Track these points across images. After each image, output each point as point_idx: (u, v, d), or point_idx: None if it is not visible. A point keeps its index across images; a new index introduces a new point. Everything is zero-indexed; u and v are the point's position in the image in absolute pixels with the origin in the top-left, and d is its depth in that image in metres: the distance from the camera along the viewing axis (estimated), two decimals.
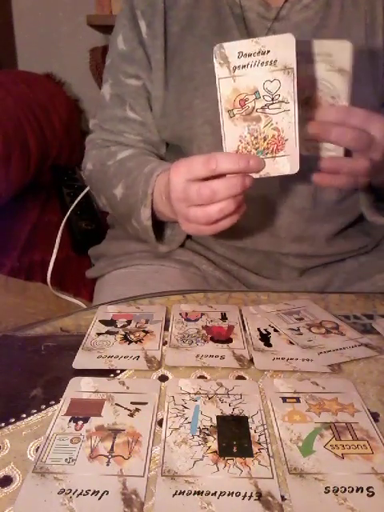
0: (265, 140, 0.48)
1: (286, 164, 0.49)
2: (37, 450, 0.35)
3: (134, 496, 0.31)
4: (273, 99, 0.47)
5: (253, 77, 0.46)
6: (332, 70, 0.49)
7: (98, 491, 0.31)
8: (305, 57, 0.49)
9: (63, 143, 1.23)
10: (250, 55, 0.46)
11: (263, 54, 0.45)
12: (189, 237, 0.74)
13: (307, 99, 0.51)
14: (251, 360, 0.45)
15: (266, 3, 0.64)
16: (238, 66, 0.46)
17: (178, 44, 0.66)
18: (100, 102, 0.75)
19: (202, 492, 0.31)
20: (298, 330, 0.51)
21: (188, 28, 0.66)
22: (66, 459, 0.34)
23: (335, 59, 0.49)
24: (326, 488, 0.32)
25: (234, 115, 0.47)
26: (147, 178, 0.63)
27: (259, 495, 0.31)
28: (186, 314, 0.54)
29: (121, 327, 0.51)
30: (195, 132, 0.66)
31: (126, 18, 0.69)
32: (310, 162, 0.64)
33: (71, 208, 0.97)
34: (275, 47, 0.45)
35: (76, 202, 0.97)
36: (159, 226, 0.68)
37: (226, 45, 0.45)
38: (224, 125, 0.48)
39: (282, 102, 0.47)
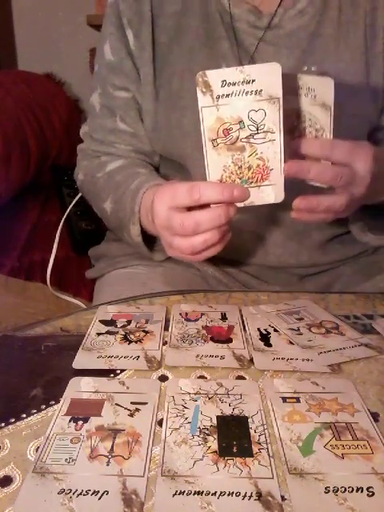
0: (249, 169, 0.47)
1: (270, 193, 0.48)
2: (37, 450, 0.35)
3: (133, 496, 0.31)
4: (258, 129, 0.46)
5: (237, 106, 0.45)
6: (316, 104, 0.48)
7: (98, 491, 0.31)
8: (289, 89, 0.48)
9: (63, 143, 1.23)
10: (234, 84, 0.44)
11: (248, 83, 0.44)
12: None
13: (292, 129, 0.50)
14: (251, 360, 0.45)
15: (258, 10, 0.61)
16: (222, 95, 0.45)
17: (167, 55, 0.64)
18: (90, 111, 0.73)
19: (202, 492, 0.31)
20: (298, 329, 0.51)
21: (176, 38, 0.63)
22: (66, 459, 0.34)
23: (318, 94, 0.48)
24: (325, 488, 0.32)
25: (218, 144, 0.46)
26: (134, 195, 0.61)
27: (259, 495, 0.31)
28: (186, 313, 0.54)
29: (121, 327, 0.51)
30: (186, 152, 0.64)
31: (114, 26, 0.66)
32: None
33: (69, 208, 0.97)
34: (260, 76, 0.44)
35: (74, 201, 0.97)
36: (150, 235, 0.66)
37: (208, 73, 0.44)
38: (207, 154, 0.47)
39: (268, 131, 0.46)
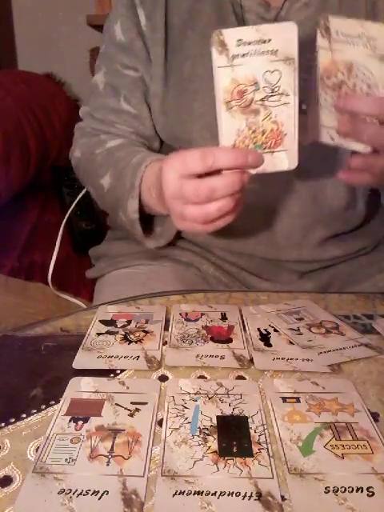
0: (263, 134, 0.46)
1: (284, 159, 0.47)
2: (37, 450, 0.35)
3: (133, 496, 0.31)
4: (273, 91, 0.45)
5: (252, 67, 0.44)
6: (373, 55, 0.45)
7: (98, 491, 0.31)
8: (344, 37, 0.46)
9: (63, 143, 1.23)
10: (249, 43, 0.43)
11: (264, 42, 0.43)
12: (186, 238, 0.73)
13: (340, 83, 0.47)
14: (251, 360, 0.45)
15: (266, 3, 0.63)
16: (237, 55, 0.44)
17: (179, 39, 0.64)
18: (92, 90, 0.72)
19: (202, 492, 0.31)
20: (298, 329, 0.51)
21: (189, 21, 0.64)
22: (66, 459, 0.34)
23: (379, 44, 0.44)
24: (325, 488, 0.32)
25: (232, 107, 0.45)
26: (135, 169, 0.60)
27: (259, 495, 0.31)
28: (186, 313, 0.54)
29: (121, 327, 0.51)
30: (193, 136, 0.65)
31: (125, 7, 0.66)
32: (310, 166, 0.64)
33: (71, 208, 0.97)
34: (276, 36, 0.43)
35: (75, 201, 0.97)
36: (147, 220, 0.65)
37: (224, 31, 0.43)
38: (221, 117, 0.46)
39: (282, 94, 0.45)
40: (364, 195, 0.68)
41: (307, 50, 0.61)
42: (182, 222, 0.50)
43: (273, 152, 0.47)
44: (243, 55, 0.44)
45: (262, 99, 0.45)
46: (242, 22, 0.63)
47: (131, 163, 0.61)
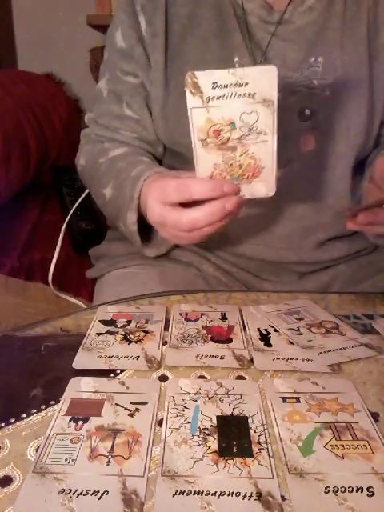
0: (240, 167, 0.47)
1: (261, 188, 0.48)
2: (37, 450, 0.35)
3: (133, 496, 0.31)
4: (250, 130, 0.45)
5: (229, 108, 0.44)
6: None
7: (98, 491, 0.31)
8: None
9: (63, 143, 1.23)
10: (226, 86, 0.43)
11: (241, 85, 0.43)
12: None
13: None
14: (251, 360, 0.45)
15: (269, 6, 0.63)
16: (212, 97, 0.43)
17: (179, 44, 0.65)
18: (97, 97, 0.73)
19: (202, 492, 0.31)
20: (298, 329, 0.51)
21: (189, 27, 0.64)
22: (66, 459, 0.34)
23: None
24: (325, 488, 0.32)
25: (208, 144, 0.46)
26: (134, 181, 0.60)
27: (259, 495, 0.31)
28: (186, 313, 0.54)
29: (121, 327, 0.51)
30: None
31: (126, 14, 0.67)
32: (310, 172, 0.64)
33: (73, 208, 0.97)
34: (255, 80, 0.43)
35: (78, 202, 0.97)
36: (147, 229, 0.65)
37: (198, 74, 0.43)
38: (196, 152, 0.46)
39: (260, 133, 0.45)
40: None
41: (311, 53, 0.62)
42: (173, 239, 0.54)
43: (251, 182, 0.48)
44: (219, 97, 0.44)
45: (239, 138, 0.45)
46: (243, 24, 0.63)
47: (131, 176, 0.62)
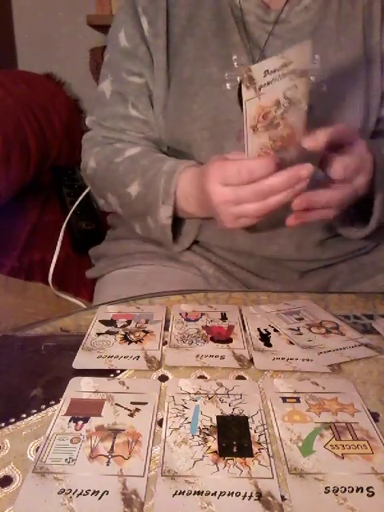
0: (282, 140, 0.49)
1: (294, 153, 0.50)
2: (37, 450, 0.35)
3: (133, 496, 0.31)
4: (290, 103, 0.47)
5: (276, 90, 0.46)
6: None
7: (98, 491, 0.31)
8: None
9: (63, 143, 1.23)
10: (274, 71, 0.45)
11: (286, 66, 0.45)
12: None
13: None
14: (251, 360, 0.45)
15: (266, 6, 0.64)
16: (264, 84, 0.46)
17: (179, 45, 0.66)
18: (99, 99, 0.73)
19: (202, 492, 0.31)
20: (298, 329, 0.51)
21: (189, 28, 0.66)
22: (66, 459, 0.34)
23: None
24: (325, 488, 0.32)
25: (258, 129, 0.48)
26: (169, 176, 0.62)
27: (259, 495, 0.31)
28: (186, 313, 0.54)
29: (121, 327, 0.51)
30: (193, 137, 0.66)
31: (128, 15, 0.68)
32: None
33: (73, 209, 0.97)
34: (295, 56, 0.45)
35: (78, 202, 0.97)
36: (173, 227, 0.67)
37: (253, 67, 0.45)
38: (248, 140, 0.49)
39: (297, 102, 0.47)
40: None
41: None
42: (234, 221, 0.55)
43: (289, 150, 0.50)
44: (268, 83, 0.46)
45: (282, 113, 0.48)
46: (241, 24, 0.64)
47: (162, 171, 0.63)
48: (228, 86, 0.64)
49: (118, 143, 0.72)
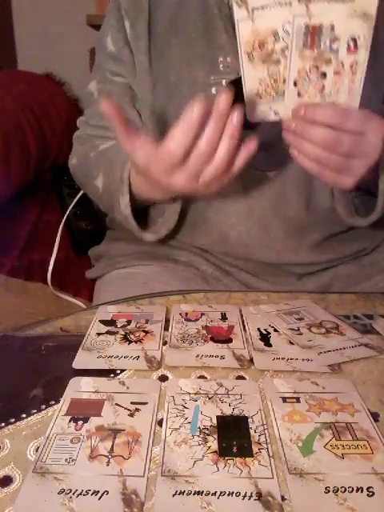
0: (284, 82, 0.47)
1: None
2: (37, 450, 0.35)
3: (133, 496, 0.31)
4: (294, 40, 0.45)
5: (272, 18, 0.45)
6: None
7: (98, 491, 0.31)
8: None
9: (63, 143, 1.23)
10: None
11: None
12: (187, 239, 0.73)
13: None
14: (251, 360, 0.45)
15: None
16: (257, 8, 0.45)
17: (163, 46, 0.64)
18: (88, 99, 0.74)
19: (202, 492, 0.31)
20: (298, 329, 0.51)
21: (173, 29, 0.64)
22: (66, 459, 0.34)
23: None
24: (325, 488, 0.32)
25: (253, 58, 0.46)
26: (123, 163, 0.61)
27: (259, 495, 0.31)
28: (186, 313, 0.54)
29: (121, 327, 0.51)
30: None
31: (114, 18, 0.68)
32: (300, 172, 0.64)
33: (70, 208, 0.97)
34: None
35: (75, 201, 0.97)
36: (142, 216, 0.66)
37: None
38: (243, 67, 0.47)
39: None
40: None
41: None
42: (174, 184, 0.51)
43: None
44: (262, 7, 0.45)
45: (282, 49, 0.46)
46: (228, 23, 0.62)
47: (120, 159, 0.63)
48: (213, 90, 0.62)
49: (97, 140, 0.71)
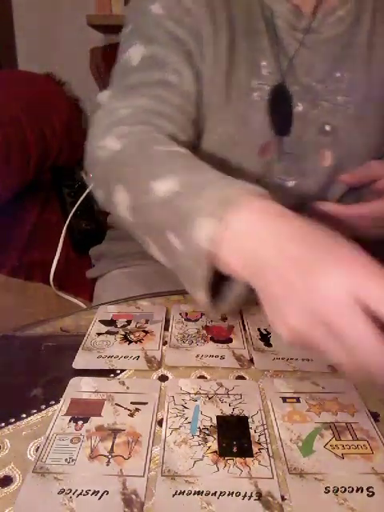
0: None
1: None
2: (37, 450, 0.35)
3: (133, 496, 0.31)
4: None
5: None
6: None
7: (98, 491, 0.31)
8: None
9: (63, 143, 1.23)
10: None
11: None
12: None
13: None
14: (251, 360, 0.45)
15: (298, 10, 0.60)
16: None
17: (209, 41, 0.57)
18: (120, 70, 0.59)
19: (202, 492, 0.31)
20: None
21: (227, 23, 0.58)
22: (66, 459, 0.34)
23: None
24: (326, 488, 0.32)
25: None
26: (229, 185, 0.39)
27: (259, 495, 0.31)
28: (186, 313, 0.54)
29: (121, 327, 0.51)
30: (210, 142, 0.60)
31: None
32: (322, 187, 0.64)
33: (75, 207, 0.97)
34: None
35: (79, 202, 0.97)
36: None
37: None
38: None
39: None
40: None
41: (337, 68, 0.61)
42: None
43: None
44: None
45: None
46: (270, 27, 0.59)
47: (222, 177, 0.41)
48: (255, 95, 0.59)
49: (155, 130, 0.53)
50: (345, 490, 0.31)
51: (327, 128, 0.62)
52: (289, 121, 0.61)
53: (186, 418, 0.38)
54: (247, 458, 0.34)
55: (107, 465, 0.33)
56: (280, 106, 0.60)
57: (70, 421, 0.37)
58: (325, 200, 0.65)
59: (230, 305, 0.41)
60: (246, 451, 0.34)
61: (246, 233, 0.35)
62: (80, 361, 0.45)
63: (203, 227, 0.36)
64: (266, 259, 0.33)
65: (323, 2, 0.59)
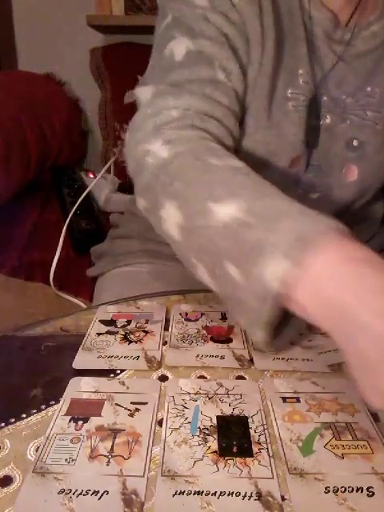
0: None
1: None
2: (37, 450, 0.35)
3: (133, 496, 0.31)
4: None
5: None
6: None
7: (98, 491, 0.31)
8: None
9: (63, 143, 1.23)
10: None
11: None
12: None
13: None
14: (251, 360, 0.45)
15: (336, 19, 0.58)
16: None
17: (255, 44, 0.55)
18: (160, 65, 0.54)
19: (202, 492, 0.31)
20: None
21: (274, 24, 0.55)
22: (66, 459, 0.34)
23: None
24: (326, 488, 0.32)
25: None
26: (311, 223, 0.35)
27: (259, 495, 0.31)
28: (186, 313, 0.54)
29: (121, 327, 0.51)
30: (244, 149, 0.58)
31: None
32: (346, 201, 0.63)
33: (75, 207, 0.97)
34: None
35: (79, 202, 0.97)
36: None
37: None
38: None
39: None
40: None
41: (368, 83, 0.60)
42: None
43: None
44: None
45: None
46: (309, 34, 0.57)
47: (294, 217, 0.36)
48: (290, 105, 0.57)
49: (205, 135, 0.49)
50: (345, 489, 0.31)
51: (355, 143, 0.61)
52: (317, 133, 0.60)
53: (186, 418, 0.38)
54: (247, 458, 0.34)
55: (107, 465, 0.33)
56: (310, 118, 0.59)
57: (69, 421, 0.37)
58: (348, 214, 0.64)
59: (285, 341, 0.40)
60: (245, 451, 0.34)
61: (327, 277, 0.32)
62: (80, 361, 0.45)
63: (275, 265, 0.33)
64: (350, 310, 0.30)
65: (359, 15, 0.58)
